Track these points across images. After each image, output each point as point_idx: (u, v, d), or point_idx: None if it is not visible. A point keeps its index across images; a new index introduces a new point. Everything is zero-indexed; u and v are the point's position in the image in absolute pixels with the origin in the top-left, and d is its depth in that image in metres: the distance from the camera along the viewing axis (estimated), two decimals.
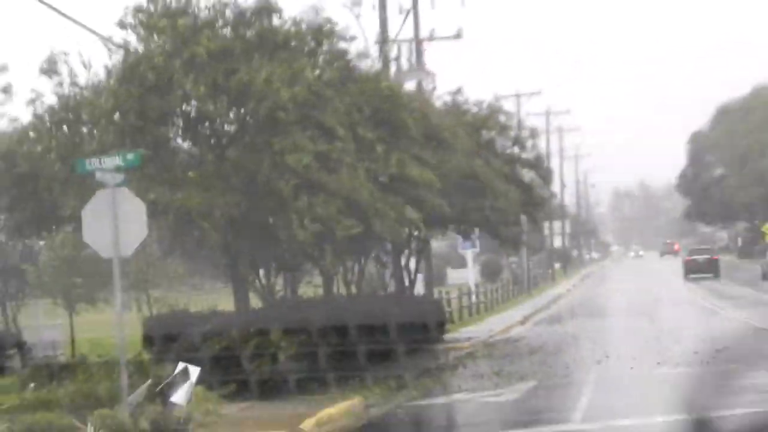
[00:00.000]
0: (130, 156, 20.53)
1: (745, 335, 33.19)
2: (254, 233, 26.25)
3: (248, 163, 25.80)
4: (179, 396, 19.25)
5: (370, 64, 33.52)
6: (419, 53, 46.78)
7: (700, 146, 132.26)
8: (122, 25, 26.96)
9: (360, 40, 35.39)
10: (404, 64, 44.77)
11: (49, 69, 27.08)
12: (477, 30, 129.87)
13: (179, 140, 28.16)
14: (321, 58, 28.30)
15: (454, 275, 68.52)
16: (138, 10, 26.83)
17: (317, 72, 27.05)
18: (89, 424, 17.70)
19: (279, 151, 25.07)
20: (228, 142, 27.19)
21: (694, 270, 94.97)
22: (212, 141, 27.73)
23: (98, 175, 19.67)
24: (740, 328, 35.39)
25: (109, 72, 27.05)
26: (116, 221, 18.99)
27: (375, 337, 24.48)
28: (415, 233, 33.54)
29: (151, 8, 26.83)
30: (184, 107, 26.81)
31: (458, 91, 39.66)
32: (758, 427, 15.63)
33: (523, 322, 47.61)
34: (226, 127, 27.60)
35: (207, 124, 27.38)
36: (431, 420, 21.33)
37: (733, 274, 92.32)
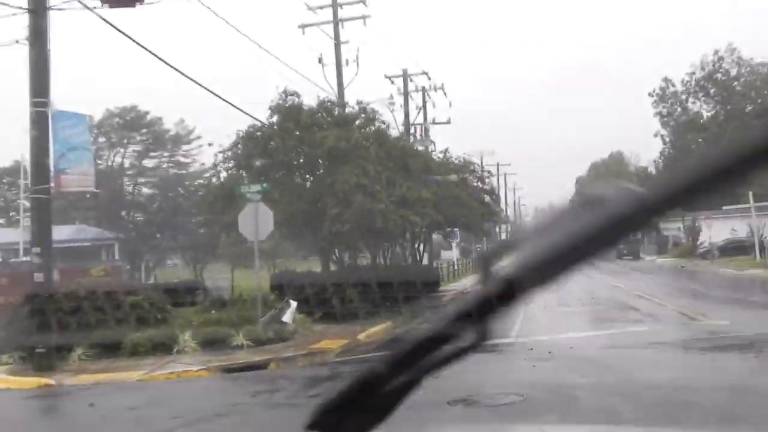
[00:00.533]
0: (264, 185, 20.87)
1: (606, 289, 33.02)
2: (317, 224, 26.49)
3: (315, 190, 26.04)
4: (288, 318, 19.51)
5: (398, 134, 33.87)
6: (426, 130, 46.97)
7: (580, 185, 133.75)
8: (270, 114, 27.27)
9: (394, 122, 35.84)
10: (418, 136, 44.89)
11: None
12: (461, 114, 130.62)
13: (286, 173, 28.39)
14: (369, 129, 28.49)
15: (445, 254, 68.28)
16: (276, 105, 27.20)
17: (367, 138, 27.24)
18: (240, 334, 17.95)
19: (331, 183, 25.30)
20: (310, 177, 27.44)
21: None
22: (300, 175, 28.01)
23: (248, 195, 20.01)
24: (603, 285, 35.07)
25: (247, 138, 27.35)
26: (256, 221, 19.29)
27: (399, 288, 24.39)
28: (423, 230, 33.55)
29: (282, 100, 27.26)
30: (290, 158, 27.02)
31: (446, 150, 39.99)
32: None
33: None
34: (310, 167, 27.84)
35: (299, 166, 27.69)
36: None
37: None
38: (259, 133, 26.96)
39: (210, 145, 29.55)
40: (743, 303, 24.60)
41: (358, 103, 28.88)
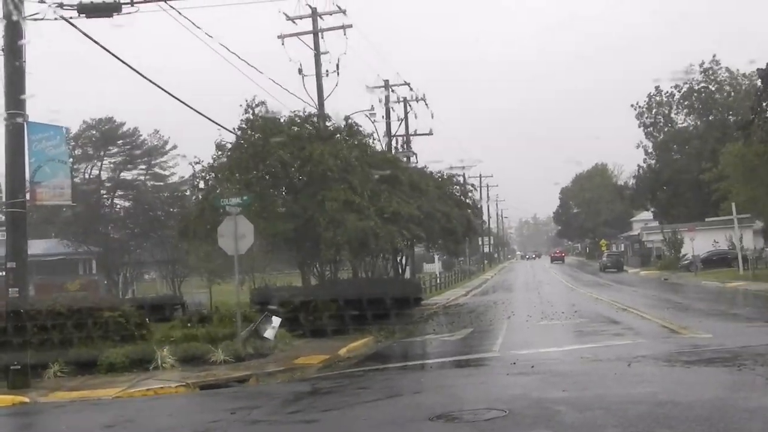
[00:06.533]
0: (245, 197, 20.80)
1: (589, 302, 33.10)
2: (311, 244, 26.30)
3: (305, 205, 25.82)
4: (269, 333, 19.44)
5: (381, 147, 33.80)
6: (408, 142, 47.02)
7: (565, 196, 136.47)
8: (243, 126, 26.99)
9: (376, 133, 35.78)
10: (399, 148, 44.91)
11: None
12: (443, 126, 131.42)
13: (271, 189, 28.10)
14: (352, 143, 28.34)
15: (427, 267, 68.34)
16: (247, 119, 26.91)
17: (351, 152, 26.99)
18: (219, 350, 17.87)
19: (320, 200, 25.19)
20: (297, 191, 27.14)
21: (553, 260, 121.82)
22: (288, 189, 27.74)
23: (228, 208, 19.95)
24: (586, 299, 35.20)
25: (229, 149, 27.03)
26: (236, 234, 19.24)
27: (381, 302, 24.37)
28: (406, 244, 33.51)
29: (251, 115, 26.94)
30: (273, 170, 26.76)
31: (426, 166, 40.27)
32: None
33: (465, 295, 47.51)
34: (297, 182, 27.49)
35: (286, 180, 27.41)
36: (413, 349, 21.39)
37: (583, 267, 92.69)
38: (242, 143, 26.72)
39: (185, 157, 29.24)
40: (726, 316, 24.74)
41: (346, 119, 28.81)
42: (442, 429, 8.99)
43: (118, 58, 18.77)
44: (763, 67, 47.47)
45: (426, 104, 47.53)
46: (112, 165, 47.72)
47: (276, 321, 19.89)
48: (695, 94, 79.80)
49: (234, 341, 18.53)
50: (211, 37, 39.79)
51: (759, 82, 51.08)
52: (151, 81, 20.00)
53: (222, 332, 19.20)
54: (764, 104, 49.13)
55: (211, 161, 27.25)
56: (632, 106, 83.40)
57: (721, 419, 8.37)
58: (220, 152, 27.05)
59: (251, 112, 26.77)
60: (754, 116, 51.65)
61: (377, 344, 21.86)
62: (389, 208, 26.47)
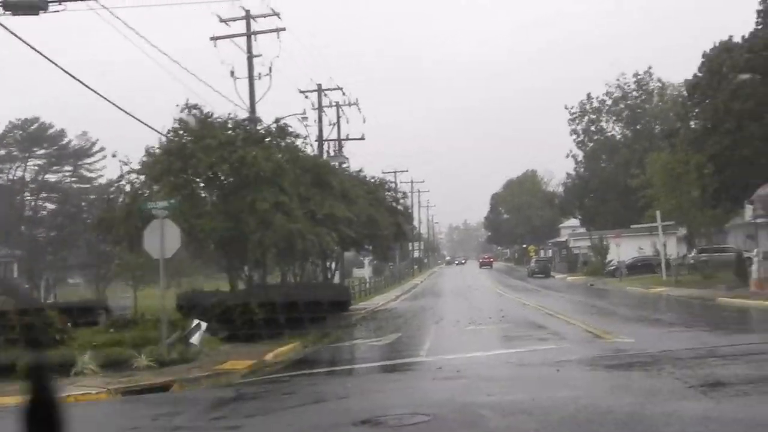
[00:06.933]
0: (172, 201, 20.51)
1: (517, 307, 33.48)
2: (239, 246, 26.06)
3: (235, 206, 25.59)
4: (195, 339, 19.19)
5: (312, 150, 33.73)
6: (340, 146, 46.98)
7: (495, 202, 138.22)
8: (173, 129, 26.63)
9: (308, 138, 35.67)
10: (332, 152, 44.79)
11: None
12: (375, 131, 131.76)
13: (201, 192, 27.80)
14: (284, 146, 28.20)
15: (357, 272, 68.39)
16: (180, 119, 26.57)
17: (281, 155, 26.86)
18: (142, 355, 17.57)
19: (251, 201, 24.96)
20: (227, 193, 26.87)
21: (482, 265, 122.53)
22: (219, 192, 27.45)
23: (154, 211, 19.63)
24: (514, 304, 35.59)
25: (159, 152, 26.60)
26: (162, 237, 18.95)
27: (309, 307, 24.35)
28: (336, 248, 33.45)
29: (186, 116, 26.61)
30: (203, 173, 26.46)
31: (360, 170, 40.16)
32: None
33: (395, 300, 47.64)
34: (227, 184, 27.21)
35: (217, 182, 27.14)
36: (340, 354, 21.39)
37: (512, 273, 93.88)
38: (173, 146, 26.37)
39: (114, 157, 28.56)
40: (648, 321, 25.26)
41: (276, 121, 28.63)
42: None
43: (44, 56, 18.37)
44: (690, 78, 48.95)
45: (359, 108, 47.68)
46: (37, 167, 46.67)
47: (202, 326, 19.66)
48: (624, 102, 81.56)
49: (158, 346, 18.23)
50: (143, 38, 38.99)
51: (685, 93, 52.59)
52: (80, 81, 19.63)
53: (146, 337, 18.89)
54: (689, 114, 50.57)
55: (139, 164, 26.86)
56: (566, 107, 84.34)
57: (639, 422, 8.50)
58: (148, 156, 26.63)
59: (186, 112, 26.51)
60: (679, 125, 53.11)
61: (305, 349, 21.77)
62: (323, 210, 26.46)
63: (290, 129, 29.10)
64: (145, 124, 24.89)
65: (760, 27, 43.54)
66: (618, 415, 9.05)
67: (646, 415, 8.99)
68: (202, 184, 27.46)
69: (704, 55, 46.93)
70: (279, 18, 33.37)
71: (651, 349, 16.30)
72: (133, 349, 18.03)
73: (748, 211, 45.17)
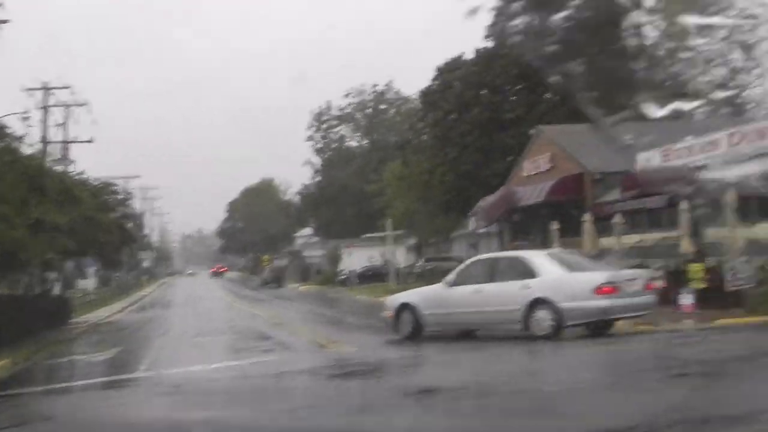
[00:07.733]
0: None
1: (246, 318, 33.39)
2: None
3: None
4: None
5: (32, 152, 31.67)
6: (66, 149, 44.54)
7: (231, 210, 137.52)
8: None
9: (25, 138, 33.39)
10: (57, 155, 42.37)
11: None
12: (105, 134, 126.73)
13: None
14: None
15: (82, 283, 65.09)
16: None
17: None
18: None
19: None
20: None
21: (214, 275, 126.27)
22: None
23: None
24: (244, 314, 35.48)
25: None
26: None
27: (23, 321, 23.02)
28: (55, 258, 31.62)
29: None
30: None
31: (83, 172, 38.62)
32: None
33: (121, 311, 45.70)
34: None
35: None
36: (55, 371, 20.14)
37: (245, 282, 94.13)
38: None
39: None
40: (373, 329, 25.83)
41: None
42: None
43: None
44: (425, 90, 51.73)
45: (89, 110, 45.49)
46: None
47: None
48: (362, 113, 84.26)
49: None
50: None
51: (420, 104, 55.46)
52: None
53: None
54: (420, 125, 53.21)
55: None
56: (311, 112, 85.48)
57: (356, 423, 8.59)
58: None
59: None
60: (411, 137, 55.67)
61: (16, 366, 20.29)
62: (33, 216, 24.90)
63: (8, 129, 27.17)
64: None
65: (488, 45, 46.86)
66: (335, 423, 9.10)
67: (365, 423, 9.12)
68: None
69: (437, 68, 50.42)
70: (4, 8, 30.96)
71: (371, 357, 16.71)
72: None
73: (472, 222, 47.88)
